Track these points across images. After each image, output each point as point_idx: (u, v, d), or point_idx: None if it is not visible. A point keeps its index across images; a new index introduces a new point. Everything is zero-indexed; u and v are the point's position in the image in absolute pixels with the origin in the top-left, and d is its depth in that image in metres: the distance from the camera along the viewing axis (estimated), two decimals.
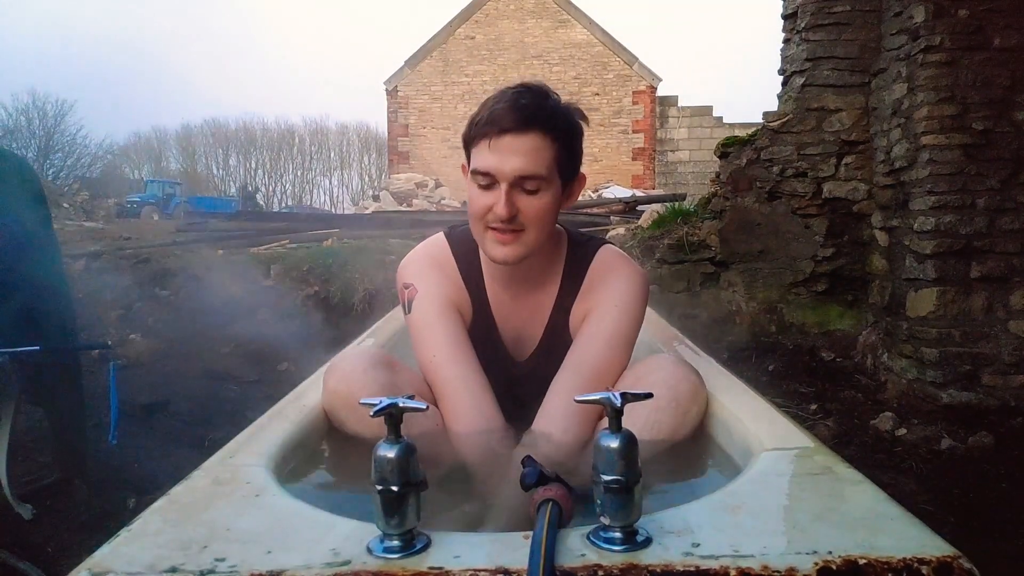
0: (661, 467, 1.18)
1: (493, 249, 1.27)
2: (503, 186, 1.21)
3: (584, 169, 1.39)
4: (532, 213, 1.24)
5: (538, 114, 1.22)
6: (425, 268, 1.39)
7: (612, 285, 1.35)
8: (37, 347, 2.13)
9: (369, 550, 0.74)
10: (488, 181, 1.23)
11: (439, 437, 1.26)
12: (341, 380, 1.26)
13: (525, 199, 1.23)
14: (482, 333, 1.39)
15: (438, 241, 1.45)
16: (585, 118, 1.33)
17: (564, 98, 1.33)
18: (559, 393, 1.26)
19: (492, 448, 1.24)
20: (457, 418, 1.27)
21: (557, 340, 1.39)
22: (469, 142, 1.28)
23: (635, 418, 1.11)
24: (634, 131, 16.81)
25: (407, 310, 1.38)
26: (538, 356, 1.42)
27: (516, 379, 1.41)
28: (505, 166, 1.21)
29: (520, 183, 1.22)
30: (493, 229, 1.25)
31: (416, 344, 1.36)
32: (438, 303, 1.34)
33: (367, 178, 40.19)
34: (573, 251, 1.41)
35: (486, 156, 1.22)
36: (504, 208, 1.21)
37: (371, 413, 0.76)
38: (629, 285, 1.35)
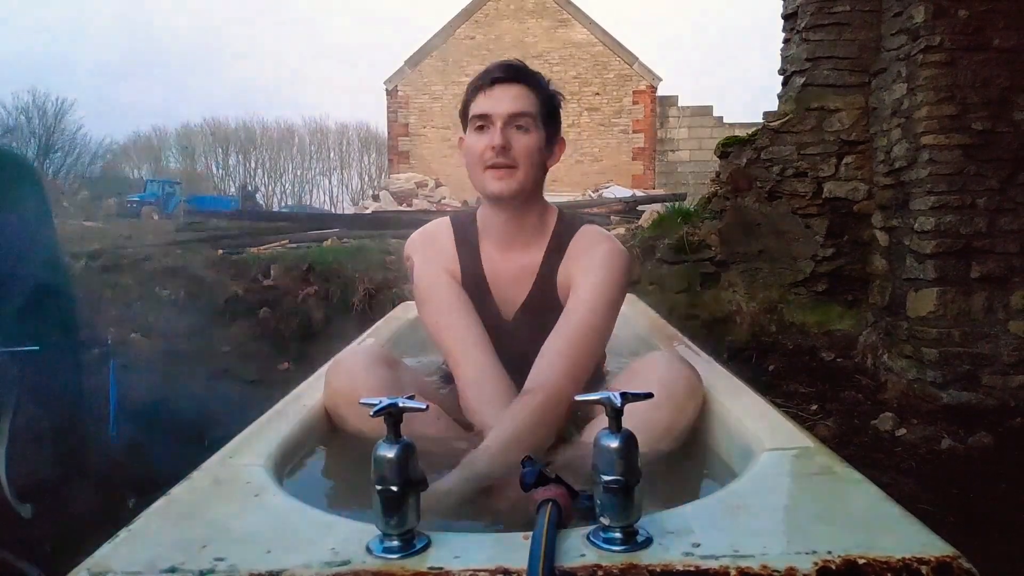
0: (661, 467, 1.18)
1: (490, 184, 1.41)
2: (498, 124, 1.39)
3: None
4: (523, 150, 1.40)
5: (523, 71, 1.45)
6: (421, 242, 1.58)
7: (593, 255, 1.46)
8: (37, 346, 2.14)
9: (369, 550, 0.74)
10: (484, 123, 1.41)
11: (439, 436, 1.27)
12: (343, 378, 1.30)
13: (516, 136, 1.40)
14: (474, 290, 1.52)
15: (439, 220, 1.64)
16: (560, 94, 1.53)
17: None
18: (548, 354, 1.35)
19: (509, 405, 1.29)
20: (468, 379, 1.38)
21: (541, 300, 1.51)
22: (466, 105, 1.45)
23: (631, 415, 1.11)
24: (634, 131, 16.75)
25: (410, 280, 1.57)
26: (523, 313, 1.52)
27: (502, 334, 1.51)
28: (499, 107, 1.40)
29: (512, 121, 1.39)
30: (490, 168, 1.41)
31: (421, 310, 1.55)
32: (434, 271, 1.52)
33: (367, 178, 40.15)
34: (560, 223, 1.54)
35: (481, 102, 1.41)
36: (499, 138, 1.38)
37: (371, 413, 0.76)
38: (609, 255, 1.46)
